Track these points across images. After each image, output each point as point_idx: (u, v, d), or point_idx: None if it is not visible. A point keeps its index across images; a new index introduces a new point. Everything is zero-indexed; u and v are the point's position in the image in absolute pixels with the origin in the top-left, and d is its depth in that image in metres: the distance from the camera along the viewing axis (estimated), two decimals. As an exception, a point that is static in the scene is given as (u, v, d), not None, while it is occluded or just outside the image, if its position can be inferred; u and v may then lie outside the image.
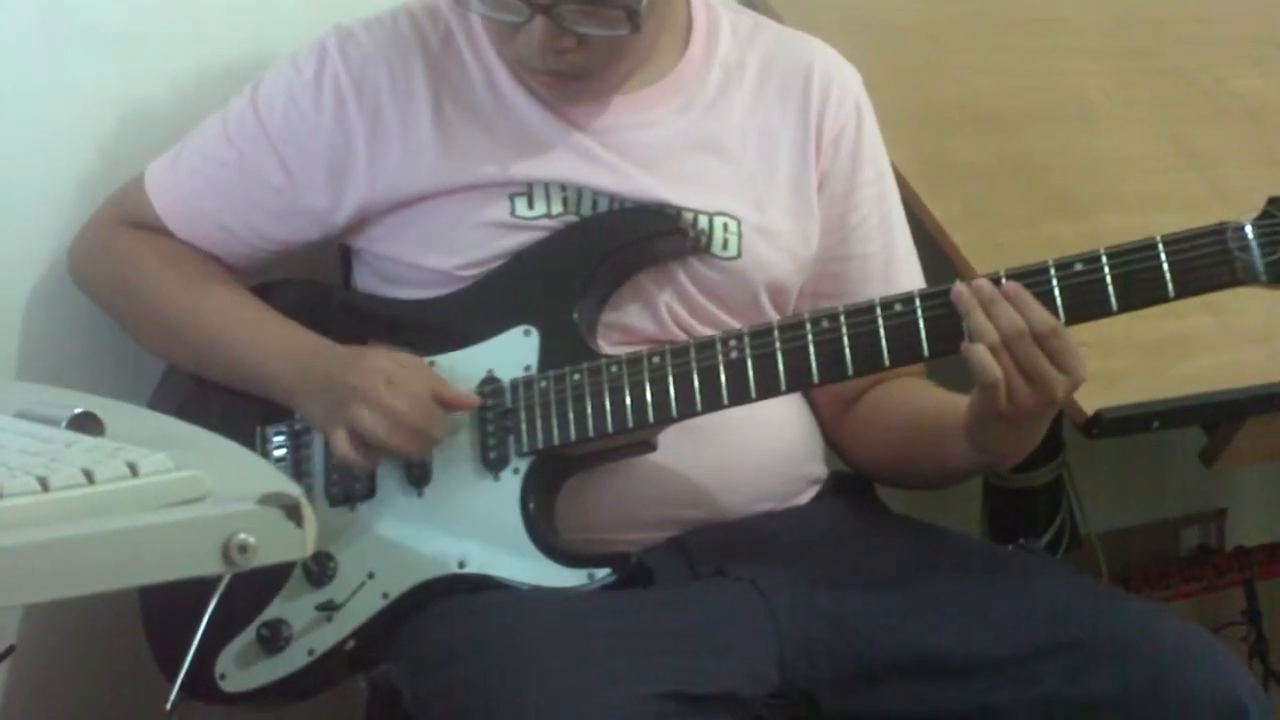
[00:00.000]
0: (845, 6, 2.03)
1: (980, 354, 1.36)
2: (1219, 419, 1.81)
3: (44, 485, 0.95)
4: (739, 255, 1.56)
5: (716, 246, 1.56)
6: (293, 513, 0.96)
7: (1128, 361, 1.71)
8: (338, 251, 1.68)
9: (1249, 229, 1.36)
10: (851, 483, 1.66)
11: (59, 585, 0.92)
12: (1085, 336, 1.71)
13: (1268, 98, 2.13)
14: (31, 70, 1.71)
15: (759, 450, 1.56)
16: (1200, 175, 1.97)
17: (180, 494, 0.98)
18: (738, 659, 1.40)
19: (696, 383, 1.45)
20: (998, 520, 2.22)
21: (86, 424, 1.12)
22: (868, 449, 1.64)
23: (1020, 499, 2.20)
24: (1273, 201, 1.37)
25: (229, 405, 1.58)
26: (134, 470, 0.97)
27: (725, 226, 1.56)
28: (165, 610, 1.58)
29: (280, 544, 0.95)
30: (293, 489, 0.98)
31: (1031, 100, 2.03)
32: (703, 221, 1.55)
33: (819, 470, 1.64)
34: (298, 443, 1.57)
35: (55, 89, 1.73)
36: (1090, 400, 1.64)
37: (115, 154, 1.75)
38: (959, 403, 1.47)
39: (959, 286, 1.39)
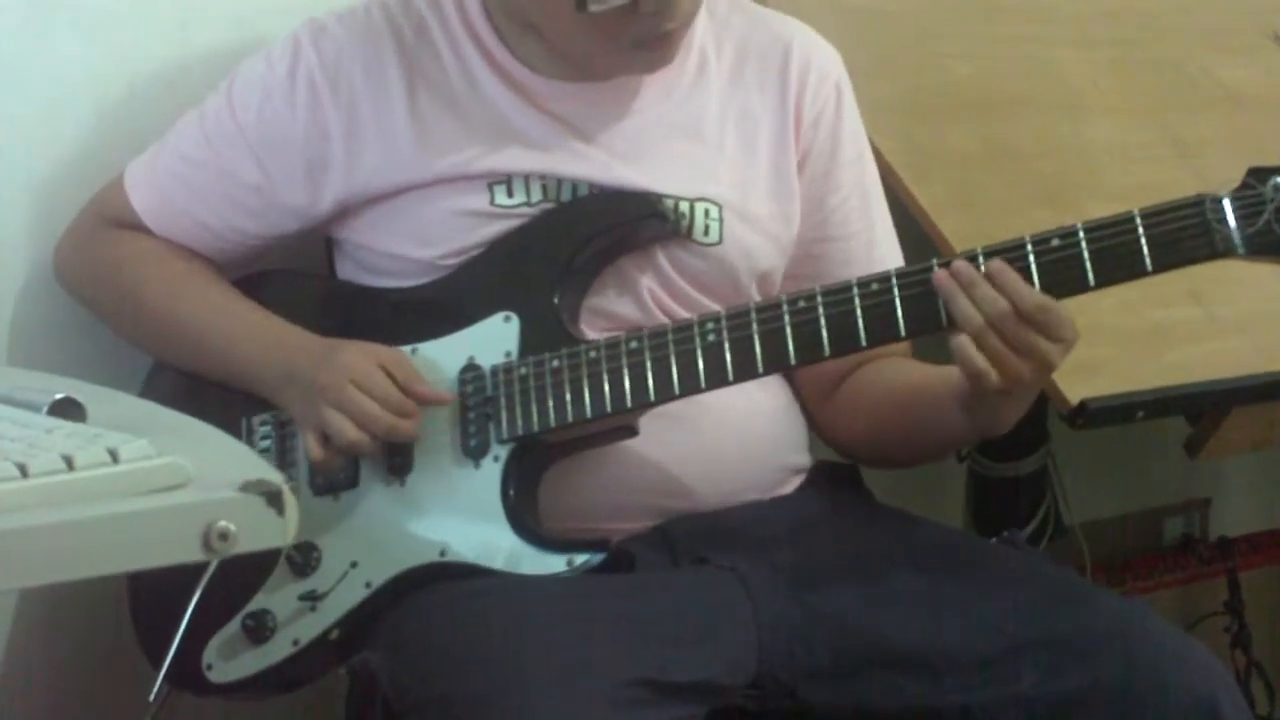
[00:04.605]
0: (832, -7, 2.03)
1: (963, 345, 1.36)
2: (1203, 409, 1.81)
3: (23, 471, 0.94)
4: (720, 241, 1.56)
5: (698, 233, 1.55)
6: (274, 500, 0.96)
7: (1113, 351, 1.71)
8: (323, 243, 1.67)
9: (1227, 201, 1.35)
10: (837, 473, 1.65)
11: (38, 572, 0.92)
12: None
13: (1255, 87, 2.14)
14: (15, 54, 1.70)
15: (743, 440, 1.55)
16: (1187, 164, 1.97)
17: (161, 481, 0.97)
18: (716, 648, 1.40)
19: (674, 366, 1.45)
20: (982, 510, 2.22)
21: (67, 409, 1.11)
22: (853, 431, 1.63)
23: (1004, 489, 2.20)
24: (1252, 173, 1.36)
25: (219, 397, 1.58)
26: (114, 457, 0.97)
27: (706, 212, 1.56)
28: (153, 602, 1.58)
29: (261, 532, 0.95)
30: (274, 476, 0.97)
31: (1019, 88, 2.03)
32: (684, 208, 1.55)
33: (804, 460, 1.63)
34: (283, 433, 1.57)
35: (39, 72, 1.72)
36: (1075, 390, 1.64)
37: (101, 137, 1.74)
38: (947, 374, 1.47)
39: (939, 272, 1.39)
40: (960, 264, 1.38)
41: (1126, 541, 2.49)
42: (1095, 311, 1.70)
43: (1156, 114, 2.06)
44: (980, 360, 1.36)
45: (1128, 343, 1.74)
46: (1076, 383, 1.64)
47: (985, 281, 1.37)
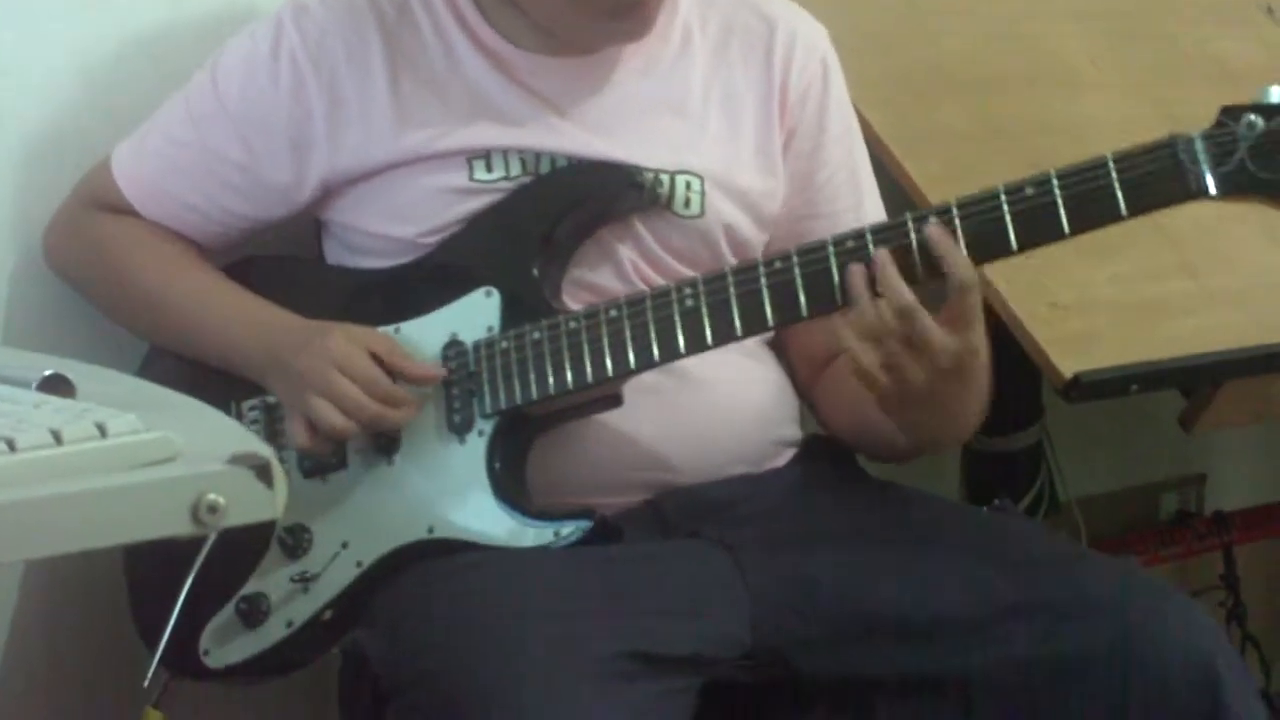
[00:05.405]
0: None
1: (848, 338, 1.36)
2: (1198, 382, 1.81)
3: (11, 446, 0.93)
4: (702, 213, 1.56)
5: (679, 205, 1.55)
6: (263, 473, 0.95)
7: (1106, 325, 1.72)
8: (311, 228, 1.67)
9: (1199, 140, 1.34)
10: (828, 446, 1.65)
11: (26, 546, 0.92)
12: (1066, 299, 1.72)
13: (1249, 61, 2.13)
14: (0, 34, 1.69)
15: (732, 413, 1.55)
16: (1181, 138, 1.97)
17: (149, 455, 0.96)
18: (707, 620, 1.40)
19: (653, 333, 1.44)
20: (976, 485, 2.22)
21: (57, 386, 1.11)
22: (836, 415, 1.63)
23: (999, 463, 2.20)
24: (1225, 111, 1.35)
25: (210, 380, 1.57)
26: (102, 431, 0.96)
27: (688, 185, 1.55)
28: (150, 589, 1.58)
29: (250, 504, 0.94)
30: (263, 449, 0.97)
31: (1012, 63, 2.03)
32: (664, 180, 1.55)
33: (794, 433, 1.63)
34: (272, 416, 1.57)
35: (26, 53, 1.71)
36: (1068, 364, 1.64)
37: (89, 118, 1.74)
38: None
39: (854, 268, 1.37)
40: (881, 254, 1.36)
41: (1122, 516, 2.50)
42: (1089, 285, 1.70)
43: (1150, 88, 2.05)
44: (863, 354, 1.35)
45: (1122, 316, 1.74)
46: (1070, 356, 1.64)
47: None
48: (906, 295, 1.34)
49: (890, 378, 1.36)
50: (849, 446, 1.65)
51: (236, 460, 0.95)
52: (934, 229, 1.36)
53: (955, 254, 1.36)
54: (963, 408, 1.43)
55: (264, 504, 0.95)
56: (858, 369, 1.36)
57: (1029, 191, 1.36)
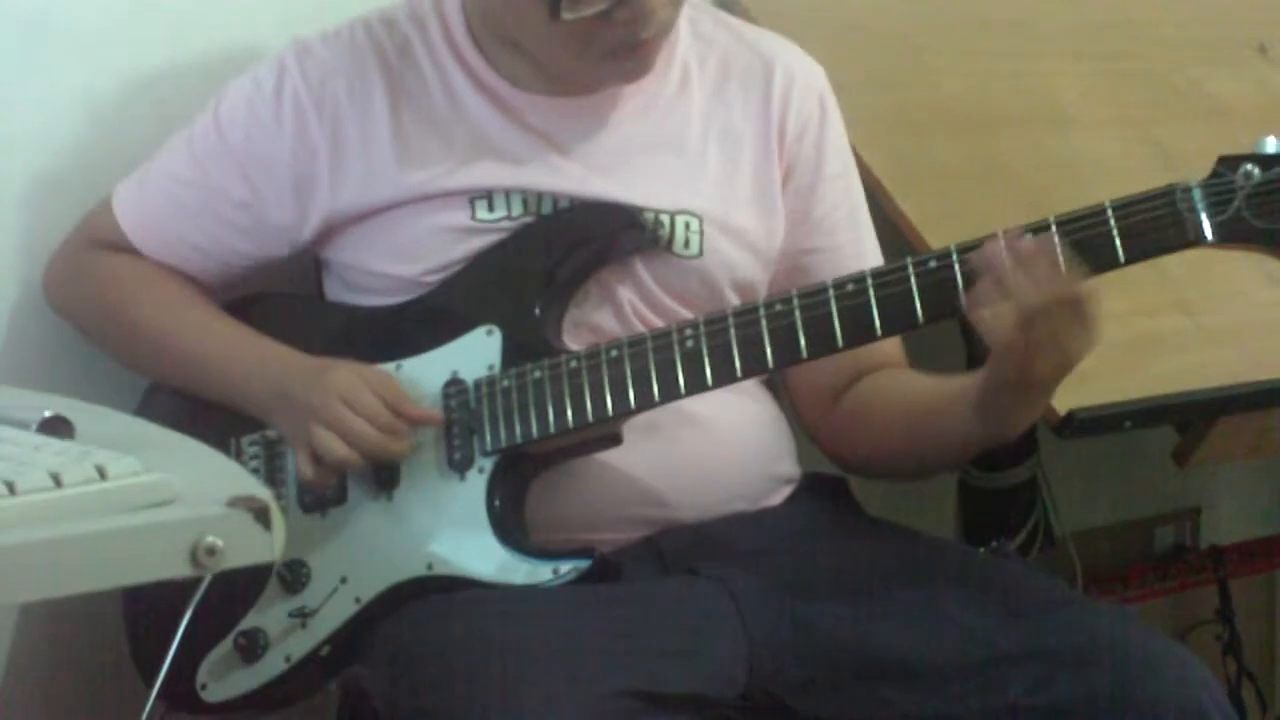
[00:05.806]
0: (820, 8, 2.03)
1: (1003, 319, 1.35)
2: (1191, 419, 1.82)
3: (11, 489, 0.94)
4: (701, 254, 1.57)
5: (678, 245, 1.56)
6: (261, 516, 0.96)
7: (1100, 361, 1.70)
8: (312, 265, 1.68)
9: (1197, 189, 1.36)
10: (825, 483, 1.66)
11: (25, 588, 0.93)
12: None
13: (1242, 100, 2.14)
14: (7, 73, 1.71)
15: (729, 450, 1.56)
16: (1174, 177, 1.96)
17: (149, 497, 0.97)
18: (705, 660, 1.41)
19: (654, 374, 1.45)
20: (972, 520, 2.22)
21: (57, 427, 1.12)
22: (861, 446, 1.63)
23: (994, 499, 2.20)
24: (1222, 161, 1.36)
25: (210, 417, 1.58)
26: (102, 473, 0.97)
27: (687, 225, 1.56)
28: (148, 623, 1.58)
29: (248, 547, 0.95)
30: (261, 492, 0.98)
31: (1006, 102, 2.04)
32: (664, 220, 1.56)
33: (792, 470, 1.64)
34: (272, 452, 1.58)
35: (31, 92, 1.72)
36: (1063, 400, 1.64)
37: (91, 157, 1.75)
38: (957, 381, 1.48)
39: (991, 244, 1.37)
40: (1023, 241, 1.37)
41: (1117, 551, 2.49)
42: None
43: (1144, 126, 2.06)
44: (1015, 333, 1.34)
45: (1115, 353, 1.73)
46: (1064, 393, 1.63)
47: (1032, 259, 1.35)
48: (1075, 285, 1.35)
49: (1046, 350, 1.36)
50: (868, 475, 1.66)
51: (235, 503, 0.96)
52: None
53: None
54: (1051, 393, 1.45)
55: (262, 547, 0.96)
56: (1015, 336, 1.35)
57: (1029, 238, 1.37)
